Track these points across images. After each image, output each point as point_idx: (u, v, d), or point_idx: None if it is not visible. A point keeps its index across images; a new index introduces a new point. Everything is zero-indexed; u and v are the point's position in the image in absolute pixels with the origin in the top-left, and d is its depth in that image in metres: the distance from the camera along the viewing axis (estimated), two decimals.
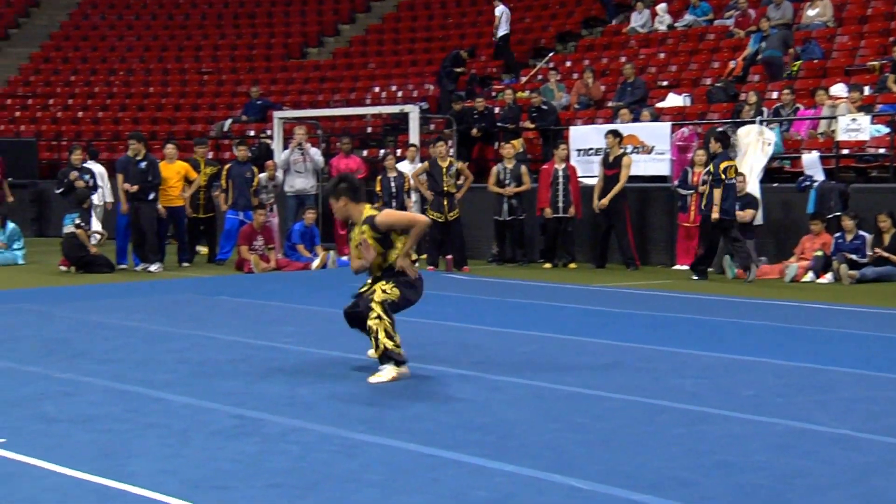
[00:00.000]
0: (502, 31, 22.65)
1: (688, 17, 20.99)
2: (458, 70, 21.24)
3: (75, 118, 25.45)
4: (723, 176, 13.12)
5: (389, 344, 6.74)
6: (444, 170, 14.52)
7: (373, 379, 6.75)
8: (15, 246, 15.46)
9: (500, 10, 22.65)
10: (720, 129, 14.29)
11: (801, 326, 9.55)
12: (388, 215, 7.08)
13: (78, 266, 14.03)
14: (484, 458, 4.96)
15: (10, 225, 15.56)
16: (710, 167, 13.35)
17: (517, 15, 24.82)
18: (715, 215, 13.05)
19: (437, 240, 14.78)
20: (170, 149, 15.23)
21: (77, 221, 14.00)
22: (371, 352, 7.05)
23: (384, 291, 6.88)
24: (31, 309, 10.31)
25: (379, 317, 6.75)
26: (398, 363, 6.78)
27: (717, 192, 13.08)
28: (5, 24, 30.24)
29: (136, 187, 14.09)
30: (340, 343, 7.98)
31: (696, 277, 13.40)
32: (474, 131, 17.95)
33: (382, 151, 16.75)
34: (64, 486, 4.52)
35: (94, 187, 14.83)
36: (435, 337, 8.71)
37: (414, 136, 17.13)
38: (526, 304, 11.14)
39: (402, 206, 15.31)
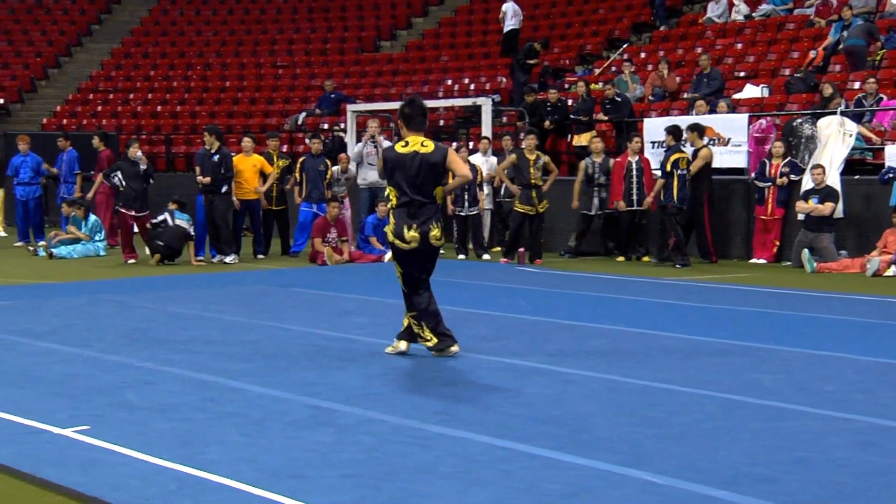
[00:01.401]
0: (509, 26, 22.99)
1: (766, 7, 20.59)
2: (531, 62, 21.17)
3: (154, 112, 25.97)
4: (669, 167, 13.96)
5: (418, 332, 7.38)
6: (532, 162, 14.43)
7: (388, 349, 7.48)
8: (96, 238, 15.85)
9: (508, 6, 23.09)
10: (672, 123, 14.79)
11: (883, 321, 9.32)
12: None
13: (161, 256, 14.25)
14: (557, 451, 4.95)
15: (92, 217, 15.95)
16: (661, 159, 14.30)
17: (591, 6, 24.63)
18: (648, 199, 14.23)
19: (522, 232, 14.65)
20: (247, 142, 15.47)
21: (179, 217, 14.26)
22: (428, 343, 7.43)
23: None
24: (111, 299, 10.56)
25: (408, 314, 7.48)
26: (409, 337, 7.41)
27: (660, 182, 14.09)
28: (88, 21, 30.97)
29: (208, 179, 14.30)
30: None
31: (679, 266, 13.85)
32: (547, 123, 17.86)
33: (455, 144, 16.76)
34: (145, 473, 4.62)
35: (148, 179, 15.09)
36: (507, 329, 8.70)
37: (486, 129, 17.11)
38: (599, 297, 11.07)
39: (475, 199, 15.32)
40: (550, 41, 23.53)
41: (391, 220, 7.26)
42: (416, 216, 7.16)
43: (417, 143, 7.22)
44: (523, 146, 14.67)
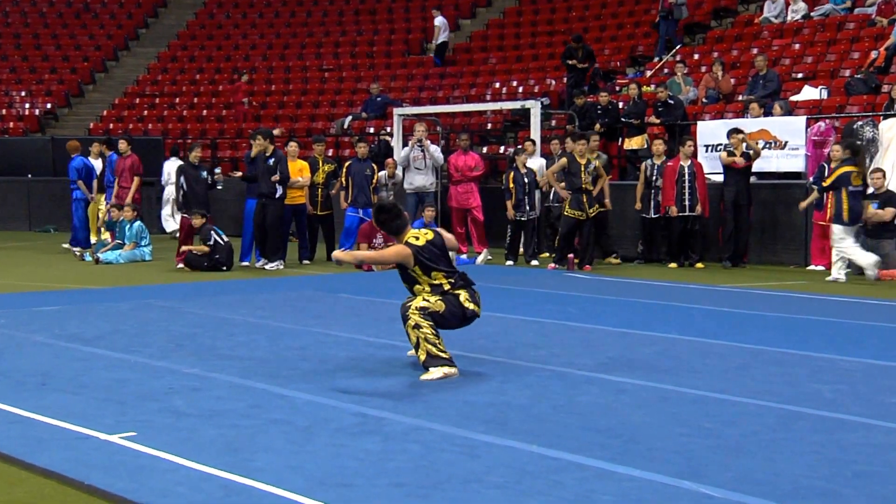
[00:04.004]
0: (441, 38, 24.64)
1: (826, 6, 20.34)
2: (571, 62, 21.00)
3: (200, 116, 26.27)
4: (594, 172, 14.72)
5: (433, 350, 6.84)
6: (583, 167, 14.39)
7: (424, 377, 6.82)
8: (143, 243, 16.01)
9: (440, 20, 24.55)
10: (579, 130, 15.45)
11: None
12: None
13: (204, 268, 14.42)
14: (609, 461, 4.92)
15: (136, 223, 16.10)
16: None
17: (643, 6, 24.50)
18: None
19: (572, 238, 14.60)
20: (292, 147, 15.57)
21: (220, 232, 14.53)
22: (412, 351, 7.11)
23: (426, 300, 6.94)
24: (159, 305, 10.69)
25: (417, 325, 6.84)
26: (446, 364, 6.86)
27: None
28: (135, 24, 31.44)
29: (277, 177, 14.36)
30: (460, 342, 8.01)
31: (556, 265, 14.47)
32: (597, 127, 17.77)
33: (511, 150, 16.68)
34: (192, 480, 4.67)
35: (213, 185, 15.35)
36: (558, 337, 8.67)
37: (535, 132, 17.06)
38: (650, 304, 10.99)
39: (533, 202, 15.30)
40: (601, 42, 23.45)
41: (466, 298, 7.05)
42: (471, 286, 7.20)
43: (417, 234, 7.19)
44: (575, 150, 14.56)
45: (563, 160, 14.65)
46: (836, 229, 13.18)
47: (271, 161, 14.49)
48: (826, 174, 14.27)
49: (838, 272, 13.18)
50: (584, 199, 14.31)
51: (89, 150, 17.92)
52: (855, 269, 13.64)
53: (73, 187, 16.98)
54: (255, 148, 14.66)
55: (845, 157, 13.30)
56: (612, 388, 6.65)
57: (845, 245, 13.08)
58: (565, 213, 14.47)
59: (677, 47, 21.68)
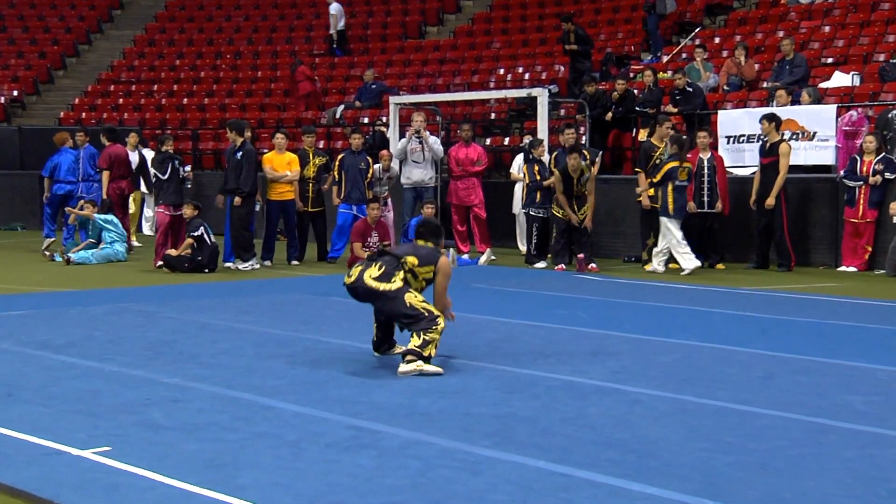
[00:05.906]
0: (340, 26, 25.51)
1: None
2: (570, 48, 20.96)
3: (180, 105, 26.27)
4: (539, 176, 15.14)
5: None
6: (575, 181, 14.38)
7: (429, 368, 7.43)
8: (112, 238, 15.83)
9: (335, 7, 25.25)
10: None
11: None
12: None
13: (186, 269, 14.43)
14: (623, 478, 4.93)
15: (104, 215, 15.95)
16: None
17: None
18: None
19: (566, 235, 14.59)
20: (279, 138, 15.57)
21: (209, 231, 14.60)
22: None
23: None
24: (136, 309, 10.70)
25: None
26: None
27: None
28: (108, 5, 31.46)
29: (221, 199, 14.52)
30: (462, 348, 8.04)
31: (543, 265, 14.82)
32: (609, 115, 17.76)
33: (527, 140, 16.64)
34: (171, 498, 4.67)
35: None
36: (566, 344, 8.68)
37: (542, 122, 17.06)
38: (667, 308, 11.00)
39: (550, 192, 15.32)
40: (614, 24, 23.44)
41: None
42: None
43: None
44: (568, 164, 14.38)
45: (558, 176, 14.53)
46: (664, 221, 13.93)
47: (238, 155, 14.48)
48: (858, 167, 14.29)
49: (658, 264, 14.12)
50: (574, 203, 14.40)
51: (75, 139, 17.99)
52: (890, 270, 13.65)
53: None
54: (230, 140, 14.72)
55: (672, 152, 14.05)
56: (625, 399, 6.67)
57: (674, 240, 13.88)
58: (553, 213, 14.70)
59: (685, 40, 21.70)
